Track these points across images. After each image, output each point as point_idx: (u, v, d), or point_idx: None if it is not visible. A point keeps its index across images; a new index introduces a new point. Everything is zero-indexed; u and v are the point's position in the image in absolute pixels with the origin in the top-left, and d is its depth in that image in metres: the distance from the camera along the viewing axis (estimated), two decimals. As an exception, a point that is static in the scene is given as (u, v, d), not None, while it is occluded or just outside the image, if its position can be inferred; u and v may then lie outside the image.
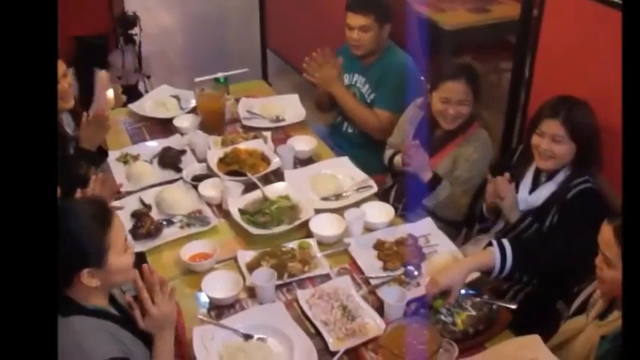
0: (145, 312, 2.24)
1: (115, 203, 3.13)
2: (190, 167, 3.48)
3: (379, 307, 2.66)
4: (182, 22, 8.76)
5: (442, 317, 2.57)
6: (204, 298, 2.71)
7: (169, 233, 3.06)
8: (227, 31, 8.23)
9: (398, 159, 3.57)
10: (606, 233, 2.21)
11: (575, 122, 2.92)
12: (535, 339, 2.47)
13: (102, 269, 2.11)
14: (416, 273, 2.83)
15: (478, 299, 2.64)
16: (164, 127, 3.94)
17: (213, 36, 8.03)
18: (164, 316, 2.25)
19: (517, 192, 3.13)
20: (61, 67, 3.31)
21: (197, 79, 4.08)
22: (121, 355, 2.10)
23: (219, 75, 4.09)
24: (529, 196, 3.11)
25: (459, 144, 3.52)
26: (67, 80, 3.36)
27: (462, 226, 3.59)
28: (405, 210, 3.53)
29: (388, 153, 3.80)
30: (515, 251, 2.68)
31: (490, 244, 2.73)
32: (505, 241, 2.71)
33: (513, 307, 2.64)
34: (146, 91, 5.70)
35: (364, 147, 4.13)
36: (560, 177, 3.03)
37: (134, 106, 4.15)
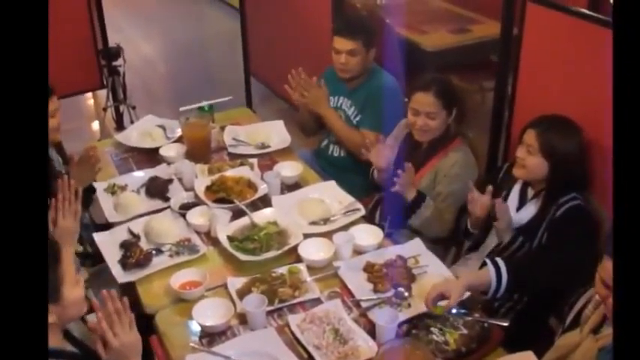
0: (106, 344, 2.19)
1: None
2: (178, 196, 3.47)
3: (371, 330, 2.65)
4: (164, 52, 8.84)
5: (434, 337, 2.57)
6: (195, 326, 2.70)
7: (159, 262, 3.05)
8: (209, 60, 8.30)
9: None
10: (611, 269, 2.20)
11: (549, 140, 2.98)
12: (528, 355, 2.47)
13: (58, 304, 2.07)
14: (406, 294, 2.83)
15: (470, 318, 2.65)
16: (150, 156, 3.93)
17: (195, 65, 8.11)
18: (125, 347, 2.18)
19: None
20: (55, 103, 3.34)
21: (182, 109, 4.08)
22: None
23: (204, 104, 4.09)
24: (516, 213, 3.13)
25: (439, 159, 3.54)
26: (58, 115, 3.37)
27: (449, 244, 3.61)
28: (391, 227, 3.54)
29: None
30: (510, 270, 2.69)
31: (484, 263, 2.75)
32: (499, 260, 2.73)
33: (505, 324, 2.65)
34: (131, 122, 5.71)
35: (350, 170, 4.15)
36: (545, 195, 3.06)
37: (120, 137, 4.14)
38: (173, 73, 8.11)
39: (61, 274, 2.08)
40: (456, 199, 3.48)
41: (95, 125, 6.72)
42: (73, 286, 2.14)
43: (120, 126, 6.26)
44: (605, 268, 2.23)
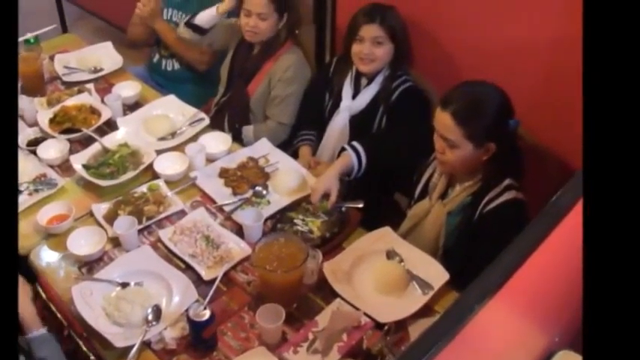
0: None
1: None
2: (23, 133, 3.43)
3: (238, 231, 2.83)
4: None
5: (299, 228, 2.79)
6: (71, 257, 2.74)
7: (20, 202, 3.02)
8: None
9: None
10: (445, 119, 2.48)
11: (391, 24, 3.19)
12: (387, 230, 2.75)
13: None
14: (264, 192, 3.02)
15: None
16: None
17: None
18: None
19: (340, 100, 3.39)
20: None
21: (6, 42, 3.97)
22: None
23: (29, 36, 3.96)
24: (352, 101, 3.35)
25: (272, 63, 3.67)
26: None
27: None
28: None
29: None
30: (366, 149, 2.92)
31: (344, 149, 2.96)
32: (356, 143, 2.95)
33: (360, 205, 2.88)
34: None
35: (187, 81, 4.23)
36: (379, 79, 3.29)
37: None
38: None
39: None
40: (293, 101, 3.66)
41: None
42: None
43: None
44: (438, 119, 2.51)
